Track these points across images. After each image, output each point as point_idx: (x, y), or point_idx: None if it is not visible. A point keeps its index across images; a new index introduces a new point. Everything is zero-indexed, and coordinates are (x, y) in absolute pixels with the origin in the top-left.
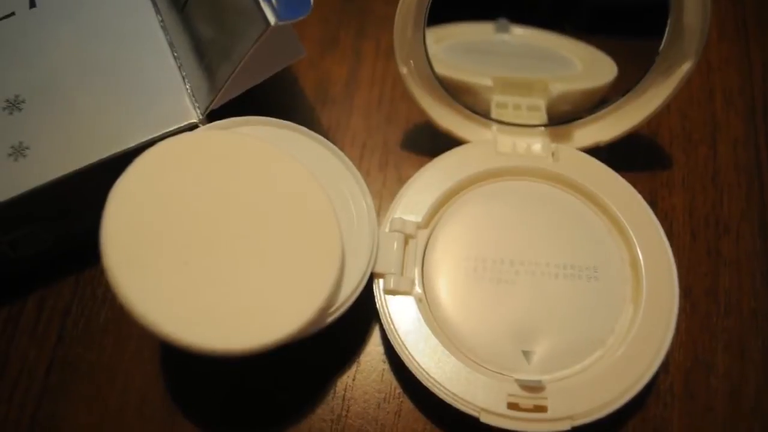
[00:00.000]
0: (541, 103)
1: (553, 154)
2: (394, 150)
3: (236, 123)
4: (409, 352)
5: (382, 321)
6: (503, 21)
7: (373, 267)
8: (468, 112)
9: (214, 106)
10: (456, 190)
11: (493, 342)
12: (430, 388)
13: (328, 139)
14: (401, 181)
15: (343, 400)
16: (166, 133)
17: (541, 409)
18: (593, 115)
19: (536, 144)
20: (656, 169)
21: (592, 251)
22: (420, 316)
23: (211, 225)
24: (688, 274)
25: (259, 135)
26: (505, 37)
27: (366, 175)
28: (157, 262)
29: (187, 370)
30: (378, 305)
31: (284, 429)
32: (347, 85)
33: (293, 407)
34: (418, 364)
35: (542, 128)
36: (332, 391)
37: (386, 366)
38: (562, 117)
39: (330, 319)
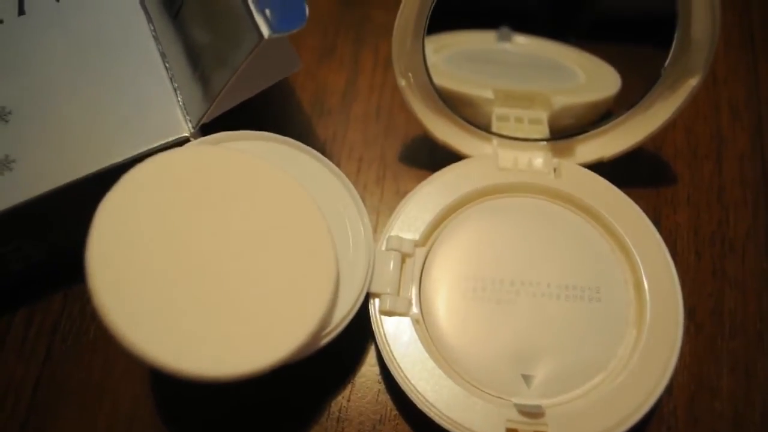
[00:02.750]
0: (544, 116)
1: (555, 170)
2: (391, 163)
3: (229, 138)
4: (405, 375)
5: (377, 342)
6: (505, 30)
7: (369, 287)
8: (468, 125)
9: (207, 119)
10: (455, 207)
11: (492, 365)
12: (425, 412)
13: (324, 152)
14: (399, 195)
15: (338, 421)
16: (157, 147)
17: None
18: (596, 130)
19: (538, 159)
20: (660, 186)
21: (595, 271)
22: (417, 337)
23: (201, 245)
24: (692, 294)
25: (252, 150)
26: (507, 46)
27: (363, 189)
28: (144, 284)
29: (177, 390)
30: (373, 326)
31: None
32: (345, 96)
33: (286, 428)
34: (414, 387)
35: (544, 143)
36: (326, 411)
37: (382, 387)
38: (565, 131)
39: (324, 342)
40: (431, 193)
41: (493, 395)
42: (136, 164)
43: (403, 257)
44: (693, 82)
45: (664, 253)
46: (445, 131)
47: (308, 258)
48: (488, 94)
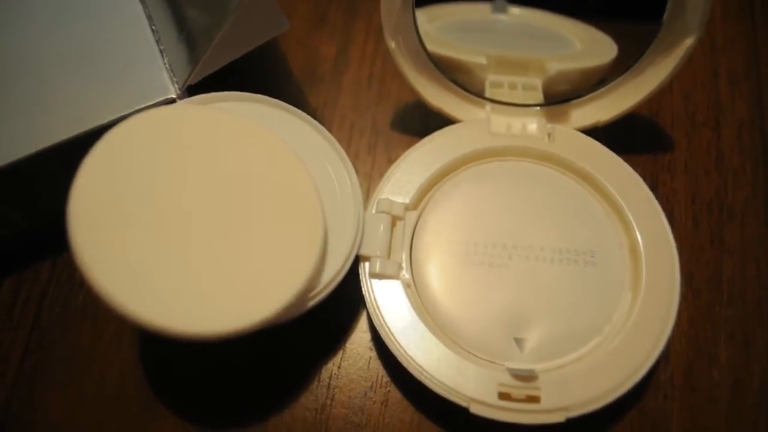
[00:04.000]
0: (538, 82)
1: (549, 135)
2: (383, 131)
3: (215, 98)
4: (396, 339)
5: (367, 306)
6: (500, 1)
7: (359, 249)
8: (460, 90)
9: (193, 80)
10: (446, 171)
11: (484, 329)
12: (417, 377)
13: (315, 119)
14: (391, 162)
15: (328, 388)
16: (142, 108)
17: (534, 399)
18: (592, 94)
19: (532, 124)
20: (657, 153)
21: (590, 235)
22: (407, 301)
23: (185, 203)
24: (689, 261)
25: (239, 111)
26: (502, 16)
27: (354, 157)
28: (127, 241)
29: (166, 355)
30: (363, 290)
31: (266, 418)
32: (336, 64)
33: (275, 395)
34: (405, 352)
35: (538, 108)
36: (317, 378)
37: (373, 353)
38: (560, 96)
39: (311, 303)
40: (422, 157)
41: (485, 359)
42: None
43: (394, 220)
44: (688, 42)
45: (660, 218)
46: (438, 96)
47: (295, 218)
48: (482, 60)
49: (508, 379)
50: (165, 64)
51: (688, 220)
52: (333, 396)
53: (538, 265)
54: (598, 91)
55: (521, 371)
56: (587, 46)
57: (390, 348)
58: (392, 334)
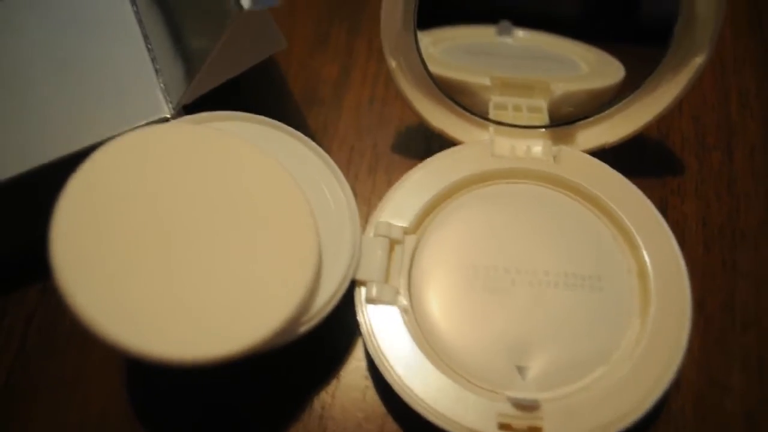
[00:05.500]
0: (543, 104)
1: (554, 157)
2: (384, 153)
3: (209, 118)
4: (392, 367)
5: (362, 333)
6: (506, 24)
7: (354, 274)
8: (463, 111)
9: (187, 100)
10: (448, 194)
11: (485, 357)
12: (413, 407)
13: (315, 141)
14: (391, 185)
15: (321, 419)
16: (136, 128)
17: (536, 430)
18: (599, 116)
19: (536, 146)
20: (667, 176)
21: (597, 259)
22: (405, 327)
23: (174, 225)
24: (701, 286)
25: (234, 131)
26: (507, 39)
27: (354, 179)
28: (111, 265)
29: (153, 384)
30: (359, 316)
31: None
32: (337, 86)
33: (266, 426)
34: (401, 381)
35: (543, 130)
36: (309, 408)
37: (369, 383)
38: (565, 118)
39: (303, 329)
40: (422, 179)
41: (485, 389)
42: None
43: (392, 244)
44: (698, 61)
45: (670, 241)
46: (439, 118)
47: (288, 240)
48: (485, 81)
49: (509, 409)
50: (160, 83)
51: (698, 245)
52: (325, 427)
53: (542, 290)
54: (605, 113)
55: (523, 401)
56: (594, 68)
57: (386, 377)
58: (388, 361)
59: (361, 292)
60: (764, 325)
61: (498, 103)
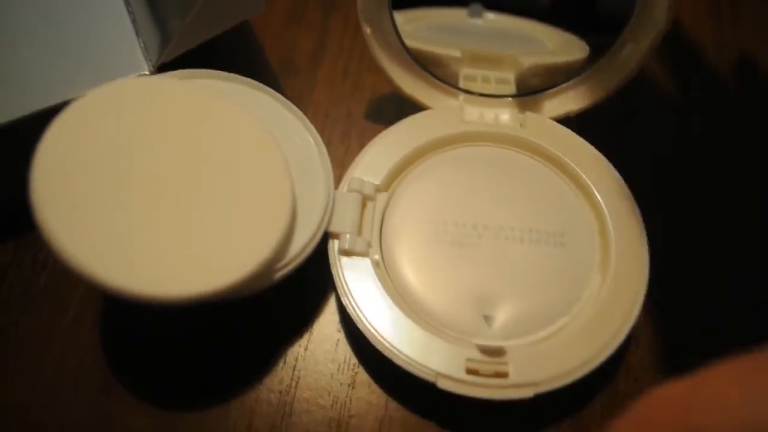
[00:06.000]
0: (511, 76)
1: (521, 123)
2: (357, 121)
3: (188, 74)
4: (363, 315)
5: (335, 283)
6: (476, 6)
7: (328, 226)
8: (434, 80)
9: (166, 58)
10: (418, 155)
11: (453, 306)
12: (383, 352)
13: None
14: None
15: (294, 369)
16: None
17: (502, 374)
18: (564, 86)
19: (504, 114)
20: (630, 142)
21: (560, 217)
22: (376, 278)
23: (153, 171)
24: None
25: (211, 87)
26: (477, 21)
27: (328, 145)
28: (90, 206)
29: (128, 335)
30: (332, 266)
31: (228, 399)
32: (313, 57)
33: (239, 376)
34: (372, 328)
35: (510, 99)
36: (282, 360)
37: (341, 335)
38: (532, 88)
39: (279, 275)
40: (395, 140)
41: (453, 336)
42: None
43: (364, 200)
44: (657, 33)
45: (630, 202)
46: (411, 85)
47: (264, 188)
48: (456, 54)
49: (476, 354)
50: (140, 42)
51: (658, 209)
52: (299, 378)
53: (508, 245)
54: (570, 83)
55: (489, 347)
56: (560, 46)
57: (357, 324)
58: (359, 310)
59: (335, 244)
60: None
61: (468, 75)
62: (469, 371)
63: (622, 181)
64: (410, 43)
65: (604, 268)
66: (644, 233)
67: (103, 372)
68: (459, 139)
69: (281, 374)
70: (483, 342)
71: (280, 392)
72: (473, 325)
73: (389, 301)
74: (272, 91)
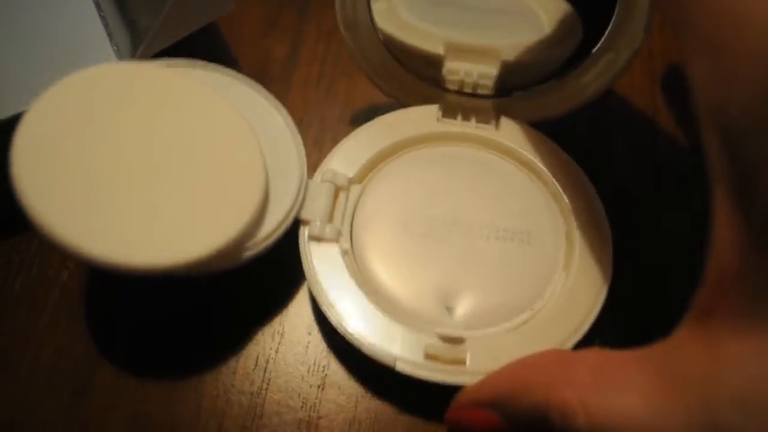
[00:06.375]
0: (493, 71)
1: (496, 125)
2: (331, 125)
3: (164, 63)
4: (328, 298)
5: (303, 267)
6: None
7: (299, 212)
8: (413, 78)
9: (139, 59)
10: (393, 150)
11: (417, 296)
12: (345, 336)
13: None
14: None
15: (265, 371)
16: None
17: (459, 362)
18: (539, 88)
19: (480, 115)
20: (598, 150)
21: (528, 217)
22: (344, 265)
23: (128, 152)
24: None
25: (187, 73)
26: None
27: None
28: (69, 182)
29: (102, 342)
30: (301, 251)
31: (200, 401)
32: (286, 64)
33: (210, 378)
34: (337, 311)
35: (487, 100)
36: (254, 361)
37: (311, 338)
38: (511, 86)
39: (248, 254)
40: (370, 135)
41: (416, 324)
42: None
43: (337, 191)
44: (633, 47)
45: (597, 206)
46: (390, 82)
47: (237, 170)
48: (438, 49)
49: (436, 342)
50: (112, 45)
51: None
52: (269, 379)
53: (474, 241)
54: (547, 85)
55: (449, 335)
56: (553, 26)
57: (321, 307)
58: (325, 294)
59: (305, 231)
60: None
61: (449, 69)
62: (428, 356)
63: (590, 186)
64: (389, 29)
65: (567, 268)
66: (609, 236)
67: (77, 375)
68: (435, 138)
69: (252, 376)
70: (443, 331)
71: (251, 394)
72: (435, 315)
73: (354, 287)
74: (248, 78)
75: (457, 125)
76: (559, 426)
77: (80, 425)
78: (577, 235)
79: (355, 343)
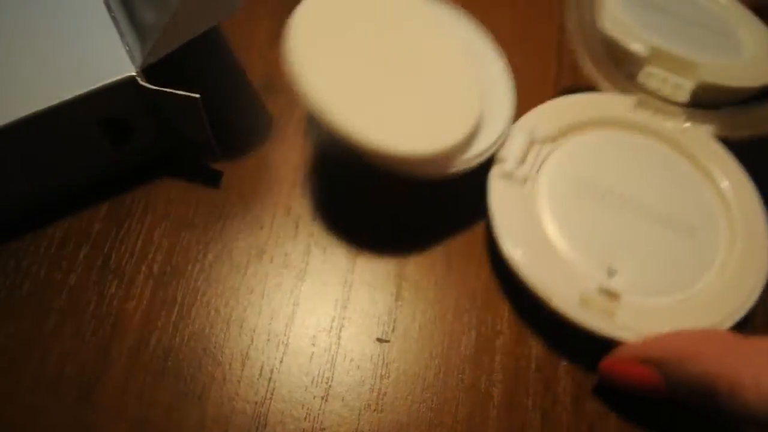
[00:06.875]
0: (688, 84)
1: (681, 129)
2: None
3: None
4: (504, 231)
5: (487, 200)
6: None
7: (499, 149)
8: (614, 72)
9: (151, 59)
10: (587, 124)
11: (582, 252)
12: (510, 265)
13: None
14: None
15: (269, 381)
16: (103, 86)
17: (609, 313)
18: (729, 108)
19: (668, 116)
20: None
21: (699, 216)
22: (523, 206)
23: (382, 55)
24: None
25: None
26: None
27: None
28: (336, 69)
29: (110, 346)
30: (489, 184)
31: (206, 409)
32: None
33: (216, 387)
34: (508, 244)
35: (681, 108)
36: (258, 372)
37: (315, 349)
38: (703, 103)
39: (452, 170)
40: (571, 104)
41: (578, 272)
42: (81, 105)
43: (531, 143)
44: None
45: (763, 224)
46: (595, 72)
47: (459, 92)
48: (642, 51)
49: (593, 292)
50: (124, 45)
51: None
52: (273, 389)
53: (643, 220)
54: (737, 107)
55: (606, 288)
56: (751, 52)
57: (497, 238)
58: (503, 227)
59: (497, 168)
60: None
61: (649, 72)
62: (582, 302)
63: (761, 205)
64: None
65: (724, 268)
66: None
67: (82, 380)
68: (625, 125)
69: (257, 385)
70: (602, 283)
71: (256, 403)
72: (596, 272)
73: (528, 227)
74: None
75: (646, 119)
76: (725, 398)
77: (87, 431)
78: (739, 241)
79: (519, 274)
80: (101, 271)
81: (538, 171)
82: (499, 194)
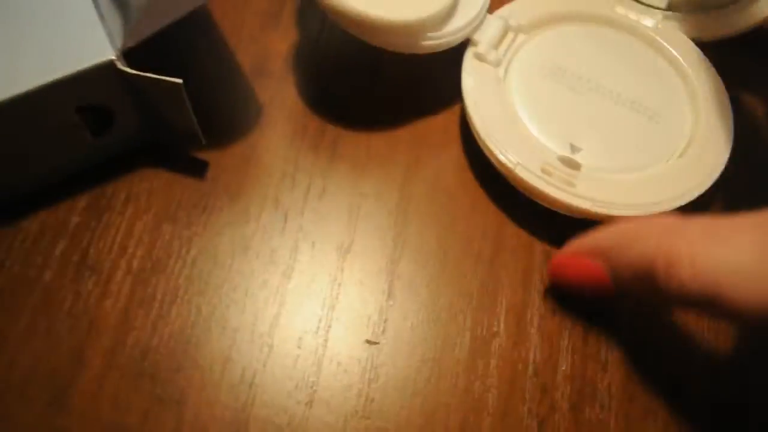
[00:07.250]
0: None
1: (659, 29)
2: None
3: None
4: (476, 107)
5: (462, 79)
6: None
7: (473, 32)
8: None
9: (131, 42)
10: (565, 17)
11: (548, 129)
12: (477, 131)
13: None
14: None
15: (251, 386)
16: (83, 69)
17: (569, 183)
18: (711, 12)
19: (648, 17)
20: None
21: (665, 104)
22: (495, 86)
23: None
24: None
25: None
26: None
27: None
28: None
29: (84, 348)
30: (464, 64)
31: (183, 415)
32: (286, 61)
33: (195, 392)
34: (480, 116)
35: (659, 10)
36: (239, 376)
37: (301, 351)
38: (682, 8)
39: (427, 43)
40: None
41: (540, 147)
42: (57, 91)
43: (506, 31)
44: None
45: (727, 110)
46: None
47: None
48: None
49: (555, 161)
50: (104, 27)
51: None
52: (255, 395)
53: (610, 105)
54: (716, 11)
55: (567, 158)
56: None
57: (468, 111)
58: (475, 104)
59: (472, 49)
60: None
61: None
62: (544, 171)
63: (726, 98)
64: None
65: (685, 152)
66: (731, 140)
67: (55, 384)
68: (604, 21)
69: (237, 390)
70: (563, 153)
71: (236, 409)
72: (560, 147)
73: (498, 104)
74: None
75: (624, 17)
76: (662, 276)
77: None
78: (701, 129)
79: (485, 140)
80: (78, 267)
81: (512, 57)
82: (472, 72)
